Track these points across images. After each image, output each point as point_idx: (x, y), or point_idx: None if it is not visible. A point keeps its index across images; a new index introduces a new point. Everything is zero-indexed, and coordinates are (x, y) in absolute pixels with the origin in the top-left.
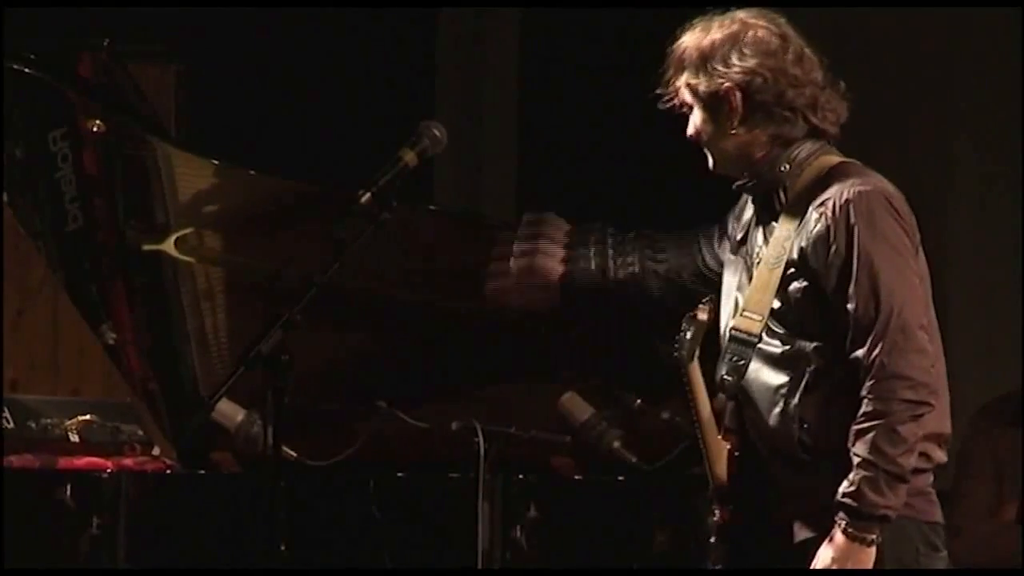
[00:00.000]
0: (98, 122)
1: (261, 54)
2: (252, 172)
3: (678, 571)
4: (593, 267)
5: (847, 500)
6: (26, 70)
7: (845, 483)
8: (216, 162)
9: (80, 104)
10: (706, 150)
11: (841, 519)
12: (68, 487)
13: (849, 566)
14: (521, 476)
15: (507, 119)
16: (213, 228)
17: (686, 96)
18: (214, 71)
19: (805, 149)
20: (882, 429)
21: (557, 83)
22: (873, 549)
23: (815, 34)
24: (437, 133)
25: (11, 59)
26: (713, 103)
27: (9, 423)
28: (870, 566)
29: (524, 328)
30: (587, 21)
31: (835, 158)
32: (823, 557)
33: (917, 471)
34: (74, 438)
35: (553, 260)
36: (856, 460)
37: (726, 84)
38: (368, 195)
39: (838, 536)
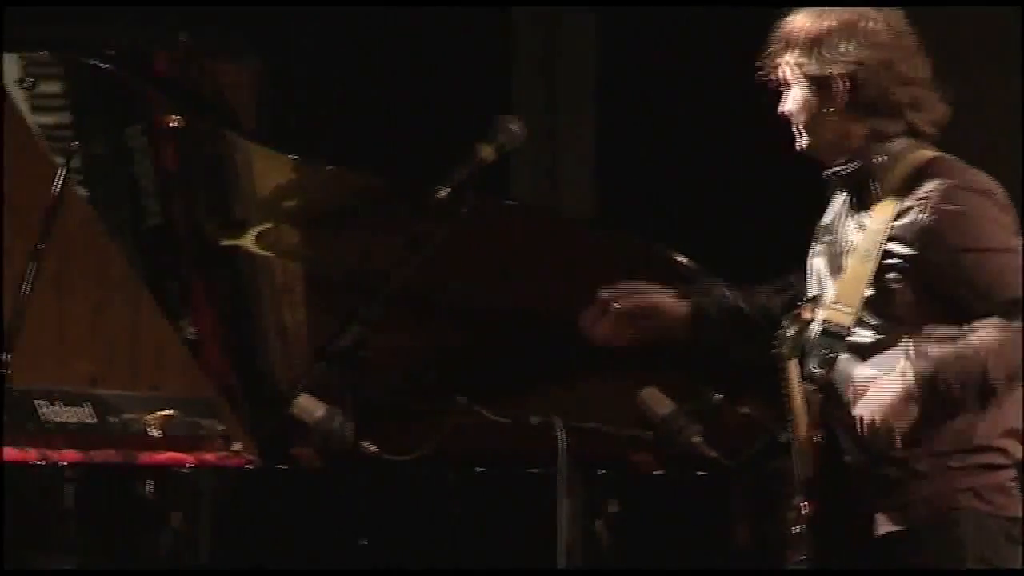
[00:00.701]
0: (176, 118)
1: (338, 50)
2: (330, 168)
3: (757, 568)
4: (727, 294)
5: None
6: (104, 66)
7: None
8: (294, 158)
9: (158, 100)
10: (798, 130)
11: (911, 352)
12: (149, 482)
13: (875, 391)
14: (602, 471)
15: (584, 114)
16: (292, 223)
17: (788, 73)
18: (292, 67)
19: (901, 143)
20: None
21: (634, 78)
22: (903, 400)
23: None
24: (514, 128)
25: (89, 55)
26: (817, 87)
27: (92, 418)
28: (892, 399)
29: None
30: (664, 17)
31: (931, 152)
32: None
33: (997, 467)
34: (155, 433)
35: (662, 294)
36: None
37: (835, 71)
38: (445, 191)
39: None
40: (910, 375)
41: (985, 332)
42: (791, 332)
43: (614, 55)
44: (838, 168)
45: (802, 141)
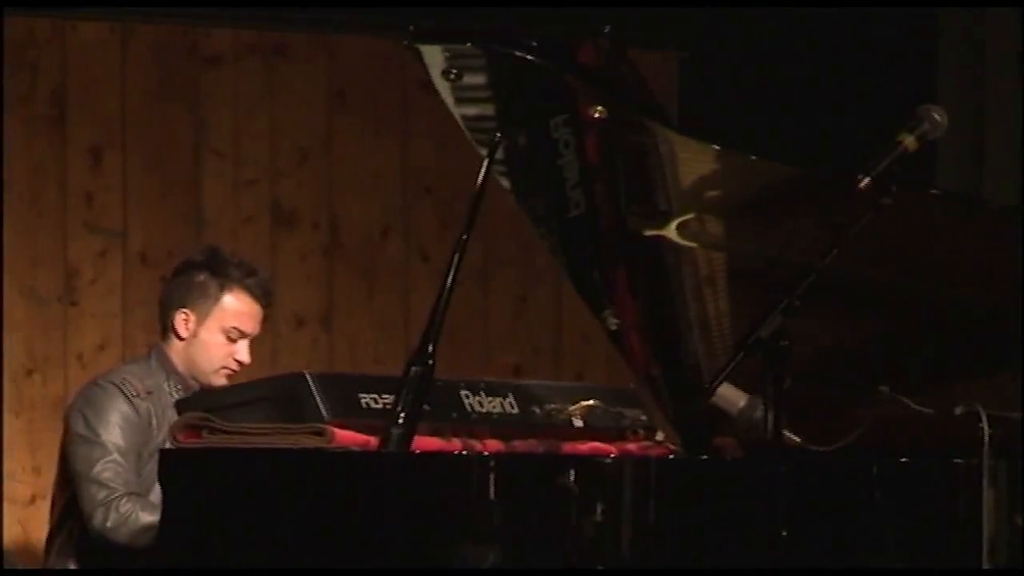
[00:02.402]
0: (600, 109)
1: (760, 41)
2: (753, 157)
3: None
4: None
5: None
6: (528, 57)
7: None
8: (717, 147)
9: (582, 91)
10: None
11: None
12: (572, 472)
13: None
14: None
15: (1011, 103)
16: (714, 214)
17: None
18: (715, 58)
19: None
20: None
21: None
22: None
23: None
24: (937, 117)
25: (513, 46)
26: None
27: (514, 408)
28: None
29: None
30: None
31: None
32: None
33: None
34: (578, 423)
35: None
36: None
37: None
38: (868, 180)
39: None
40: None
41: None
42: None
43: None
44: None
45: None
